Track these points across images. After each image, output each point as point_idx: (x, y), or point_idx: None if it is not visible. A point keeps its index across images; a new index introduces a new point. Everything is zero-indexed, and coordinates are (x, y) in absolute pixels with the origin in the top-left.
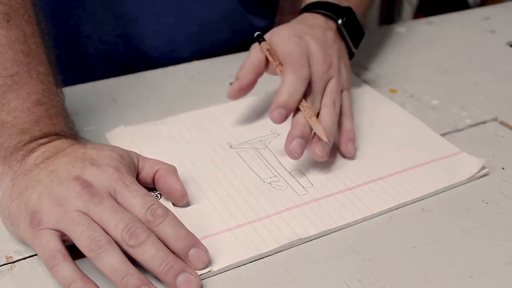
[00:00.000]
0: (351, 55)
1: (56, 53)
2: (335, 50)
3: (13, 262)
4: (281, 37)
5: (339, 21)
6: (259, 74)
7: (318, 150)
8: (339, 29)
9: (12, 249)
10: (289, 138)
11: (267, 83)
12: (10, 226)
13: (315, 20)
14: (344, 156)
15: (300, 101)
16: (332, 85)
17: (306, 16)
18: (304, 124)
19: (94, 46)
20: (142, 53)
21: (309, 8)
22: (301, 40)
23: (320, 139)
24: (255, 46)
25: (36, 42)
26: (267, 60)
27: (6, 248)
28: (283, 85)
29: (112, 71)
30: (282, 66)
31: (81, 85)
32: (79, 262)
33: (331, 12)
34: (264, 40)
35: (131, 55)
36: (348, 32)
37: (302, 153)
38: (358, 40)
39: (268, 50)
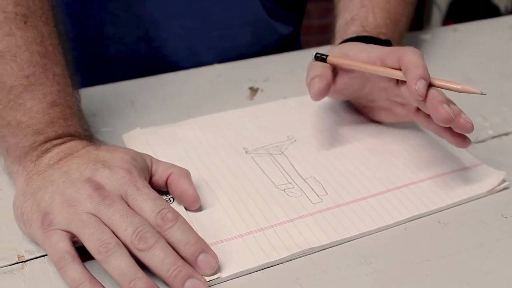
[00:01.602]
0: None
1: (77, 54)
2: None
3: (24, 261)
4: (359, 45)
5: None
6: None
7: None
8: None
9: (24, 248)
10: (434, 106)
11: (283, 89)
12: (23, 226)
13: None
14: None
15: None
16: None
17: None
18: (438, 92)
19: (115, 48)
20: (163, 56)
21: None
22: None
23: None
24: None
25: (53, 43)
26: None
27: (18, 247)
28: (412, 60)
29: (133, 73)
30: (372, 64)
31: (100, 86)
32: (89, 264)
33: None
34: (326, 56)
35: (152, 58)
36: None
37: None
38: None
39: (340, 60)
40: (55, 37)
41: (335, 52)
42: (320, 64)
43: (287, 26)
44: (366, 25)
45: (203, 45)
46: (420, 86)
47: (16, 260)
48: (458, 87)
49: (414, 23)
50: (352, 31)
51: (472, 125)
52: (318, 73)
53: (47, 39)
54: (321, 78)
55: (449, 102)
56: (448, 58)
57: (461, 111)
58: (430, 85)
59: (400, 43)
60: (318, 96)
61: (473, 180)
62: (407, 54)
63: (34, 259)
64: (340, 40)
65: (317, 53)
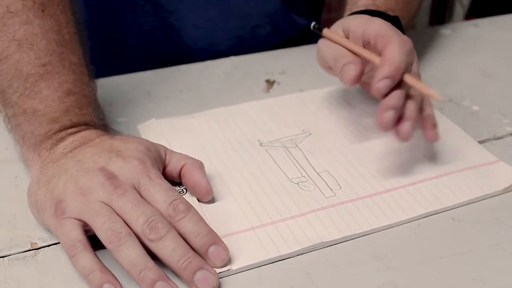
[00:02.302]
0: None
1: (95, 44)
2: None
3: (37, 249)
4: (362, 18)
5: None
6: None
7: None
8: None
9: (37, 235)
10: (382, 107)
11: (299, 82)
12: (36, 213)
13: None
14: (428, 139)
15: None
16: (415, 69)
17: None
18: (412, 110)
19: (133, 37)
20: (181, 45)
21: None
22: (382, 21)
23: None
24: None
25: (70, 32)
26: None
27: (32, 234)
28: (389, 55)
29: (151, 62)
30: (361, 47)
31: (117, 76)
32: (101, 253)
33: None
34: (322, 28)
35: (170, 47)
36: None
37: (410, 137)
38: None
39: (333, 35)
40: (72, 26)
41: (340, 24)
42: (344, 50)
43: (305, 18)
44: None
45: (221, 35)
46: (381, 86)
47: (29, 247)
48: (427, 90)
49: (436, 18)
50: (362, 4)
51: (408, 137)
52: (351, 59)
53: (64, 27)
54: (355, 65)
55: (401, 107)
56: (468, 53)
57: (414, 118)
58: (401, 82)
59: (410, 22)
60: (353, 83)
61: (490, 177)
62: (390, 46)
63: (47, 247)
64: (349, 13)
65: (314, 25)
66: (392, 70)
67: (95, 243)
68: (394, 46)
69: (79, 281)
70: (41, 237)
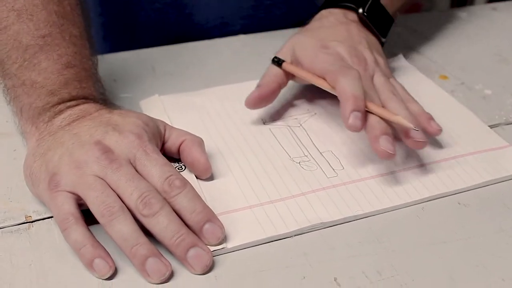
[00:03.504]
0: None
1: (106, 20)
2: (364, 43)
3: (31, 222)
4: (308, 51)
5: (360, 10)
6: (282, 84)
7: (415, 137)
8: (361, 19)
9: (32, 208)
10: (373, 140)
11: None
12: (31, 186)
13: (333, 17)
14: (433, 135)
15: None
16: (379, 79)
17: (324, 14)
18: (378, 122)
19: (146, 14)
20: (193, 24)
21: (329, 3)
22: (328, 49)
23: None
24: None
25: (71, 3)
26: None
27: (27, 207)
28: (343, 91)
29: (163, 40)
30: (321, 79)
31: (124, 52)
32: (96, 228)
33: (351, 2)
34: (282, 62)
35: (182, 26)
36: (373, 20)
37: (394, 149)
38: (386, 27)
39: (293, 68)
40: None
41: (288, 49)
42: (274, 70)
43: None
44: None
45: (235, 14)
46: (353, 122)
47: (23, 220)
48: (392, 117)
49: (458, 1)
50: None
51: (424, 142)
52: (263, 82)
53: None
54: (260, 89)
55: (388, 129)
56: (484, 37)
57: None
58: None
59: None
60: (249, 106)
61: (498, 162)
62: (338, 82)
63: (41, 220)
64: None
65: (274, 57)
66: (351, 104)
67: (90, 218)
68: (341, 80)
69: (71, 255)
70: (36, 210)
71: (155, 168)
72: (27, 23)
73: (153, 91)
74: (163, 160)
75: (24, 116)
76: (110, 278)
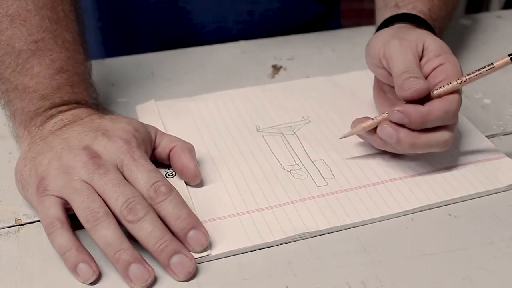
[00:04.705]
0: None
1: (104, 25)
2: None
3: (21, 225)
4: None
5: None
6: None
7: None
8: None
9: (22, 212)
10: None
11: (306, 69)
12: (21, 189)
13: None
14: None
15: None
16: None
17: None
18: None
19: (143, 19)
20: (190, 28)
21: (393, 20)
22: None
23: None
24: None
25: (65, 9)
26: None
27: (17, 210)
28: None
29: (160, 44)
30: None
31: (122, 57)
32: (82, 232)
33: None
34: None
35: (179, 30)
36: None
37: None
38: None
39: None
40: (67, 3)
41: (378, 44)
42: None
43: (320, 6)
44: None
45: (231, 18)
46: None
47: (13, 223)
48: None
49: (473, 9)
50: (413, 7)
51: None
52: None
53: (59, 4)
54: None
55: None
56: (486, 45)
57: None
58: None
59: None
60: (412, 96)
61: (493, 173)
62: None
63: (31, 224)
64: (384, 19)
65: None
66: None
67: (78, 223)
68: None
69: (57, 259)
70: (26, 214)
71: (142, 174)
72: (20, 28)
73: (151, 96)
74: (150, 166)
75: (17, 120)
76: (94, 283)
